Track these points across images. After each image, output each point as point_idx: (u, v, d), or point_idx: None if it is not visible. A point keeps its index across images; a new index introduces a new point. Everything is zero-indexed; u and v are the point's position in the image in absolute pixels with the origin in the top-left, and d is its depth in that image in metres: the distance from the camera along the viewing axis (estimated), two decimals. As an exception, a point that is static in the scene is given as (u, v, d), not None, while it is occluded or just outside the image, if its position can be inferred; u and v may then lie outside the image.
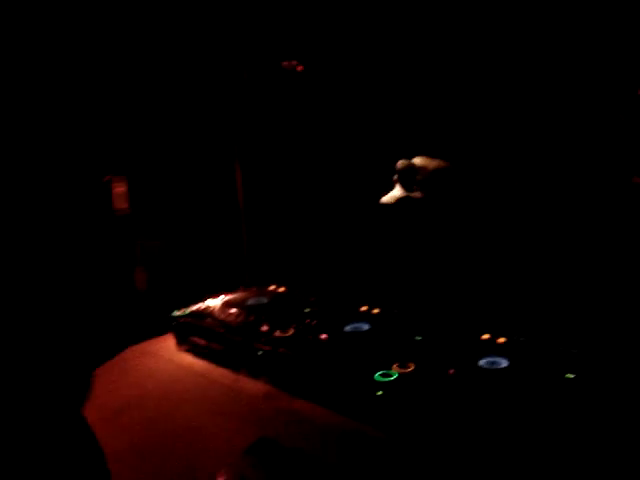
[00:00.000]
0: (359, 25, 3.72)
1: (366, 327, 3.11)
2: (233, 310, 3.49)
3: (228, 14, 3.94)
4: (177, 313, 3.58)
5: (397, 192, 3.74)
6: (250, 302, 3.60)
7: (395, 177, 3.72)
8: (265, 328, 3.20)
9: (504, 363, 2.64)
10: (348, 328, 3.11)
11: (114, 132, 3.84)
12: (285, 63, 3.87)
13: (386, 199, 3.76)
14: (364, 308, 3.35)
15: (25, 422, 1.44)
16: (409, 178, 3.67)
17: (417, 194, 3.65)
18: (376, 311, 3.31)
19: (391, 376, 2.63)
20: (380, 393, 2.55)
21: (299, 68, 3.86)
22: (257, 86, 4.11)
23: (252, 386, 3.09)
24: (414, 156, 3.79)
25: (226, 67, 4.08)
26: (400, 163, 3.70)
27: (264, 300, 3.63)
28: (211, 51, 4.01)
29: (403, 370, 2.66)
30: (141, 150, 3.97)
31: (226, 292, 3.80)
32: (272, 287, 3.85)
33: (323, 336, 3.04)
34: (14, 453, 1.40)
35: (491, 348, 2.78)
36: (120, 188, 3.87)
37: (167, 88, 3.98)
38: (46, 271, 3.37)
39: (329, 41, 3.83)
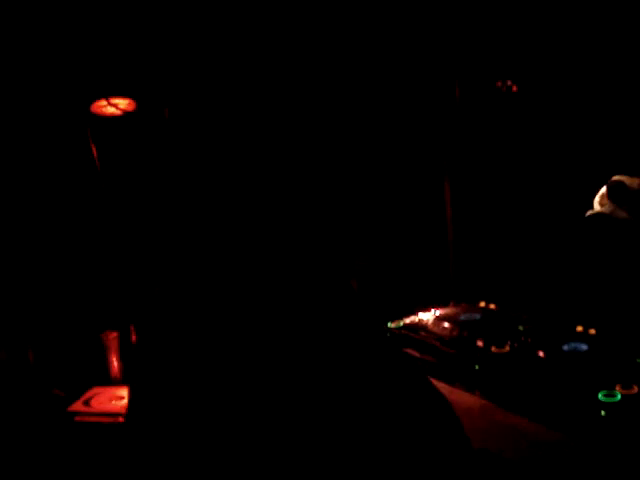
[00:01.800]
0: (575, 47, 3.73)
1: (584, 347, 3.11)
2: (446, 324, 3.59)
3: (445, 29, 4.06)
4: (391, 325, 3.72)
5: (605, 208, 3.71)
6: (463, 317, 3.68)
7: (601, 193, 3.70)
8: (480, 343, 3.27)
9: None
10: (566, 347, 3.12)
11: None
12: (499, 83, 3.94)
13: (593, 212, 3.75)
14: (580, 328, 3.34)
15: None
16: (619, 195, 3.63)
17: (624, 214, 3.60)
18: (593, 331, 3.30)
19: (615, 397, 2.63)
20: (604, 414, 2.56)
21: (514, 89, 3.91)
22: (470, 104, 4.20)
23: (467, 399, 3.17)
24: (618, 173, 3.75)
25: (439, 83, 4.21)
26: (614, 179, 3.67)
27: (477, 316, 3.69)
28: (426, 68, 4.14)
29: (627, 391, 2.65)
30: (353, 165, 4.16)
31: (437, 306, 3.91)
32: (482, 303, 3.92)
33: (541, 354, 3.08)
34: None
35: None
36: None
37: (379, 102, 4.15)
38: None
39: (545, 62, 3.86)
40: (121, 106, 3.64)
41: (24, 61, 3.58)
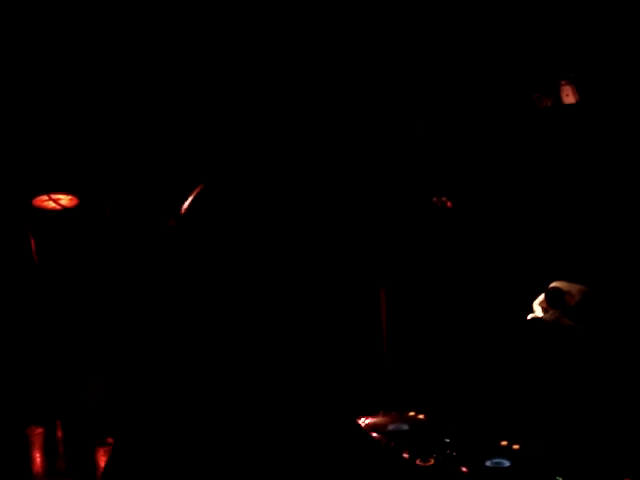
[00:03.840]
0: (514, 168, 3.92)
1: (507, 463, 3.14)
2: (374, 434, 3.60)
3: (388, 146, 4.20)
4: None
5: (544, 314, 3.82)
6: (391, 427, 3.70)
7: (539, 301, 3.81)
8: (406, 455, 3.28)
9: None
10: (489, 463, 3.15)
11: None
12: (435, 199, 4.08)
13: (533, 318, 3.85)
14: (504, 443, 3.38)
15: None
16: (557, 302, 3.74)
17: (566, 320, 3.71)
18: (516, 447, 3.34)
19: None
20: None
21: (448, 204, 4.06)
22: (407, 218, 4.33)
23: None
24: (555, 281, 3.88)
25: (377, 200, 4.34)
26: (552, 286, 3.79)
27: (404, 427, 3.71)
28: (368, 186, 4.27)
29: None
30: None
31: (367, 415, 3.91)
32: (412, 413, 3.94)
33: (464, 469, 3.10)
34: None
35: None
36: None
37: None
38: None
39: (480, 180, 4.04)
40: (62, 202, 3.66)
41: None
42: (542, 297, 3.97)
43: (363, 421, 3.79)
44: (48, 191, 3.63)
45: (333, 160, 4.09)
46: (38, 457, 3.82)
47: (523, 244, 4.11)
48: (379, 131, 4.07)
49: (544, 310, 3.93)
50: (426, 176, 4.12)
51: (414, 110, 3.99)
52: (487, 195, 4.14)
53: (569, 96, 3.43)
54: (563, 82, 3.45)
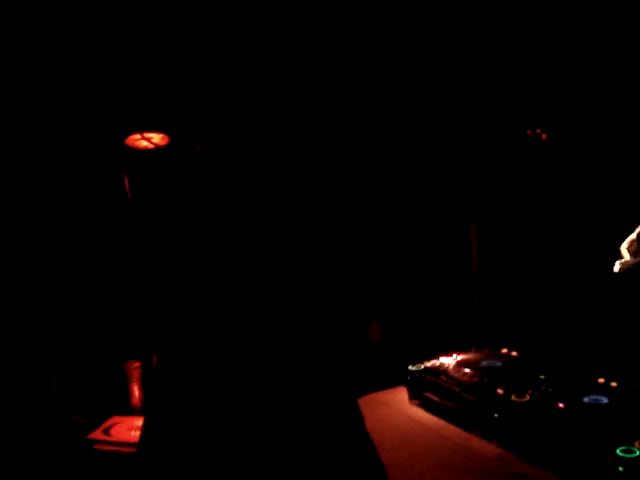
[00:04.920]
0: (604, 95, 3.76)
1: (605, 400, 3.08)
2: (467, 370, 3.58)
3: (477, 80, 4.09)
4: (412, 368, 3.72)
5: (634, 258, 3.69)
6: (484, 364, 3.67)
7: (627, 244, 3.68)
8: (500, 391, 3.26)
9: None
10: (586, 399, 3.10)
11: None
12: (530, 131, 3.96)
13: (621, 267, 3.72)
14: (601, 380, 3.32)
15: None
16: None
17: None
18: (614, 384, 3.28)
19: (634, 453, 2.60)
20: (622, 469, 2.54)
21: (544, 137, 3.93)
22: (499, 152, 4.23)
23: (485, 447, 3.16)
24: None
25: (469, 132, 4.25)
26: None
27: (498, 363, 3.68)
28: (456, 116, 4.18)
29: (646, 448, 2.63)
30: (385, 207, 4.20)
31: (459, 352, 3.90)
32: (504, 350, 3.91)
33: (560, 405, 3.06)
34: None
35: None
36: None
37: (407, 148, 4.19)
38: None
39: (572, 111, 3.89)
40: (154, 140, 3.70)
41: (65, 96, 3.66)
42: (630, 240, 3.82)
43: (455, 357, 3.79)
44: (141, 130, 3.68)
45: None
46: (136, 390, 3.95)
47: (614, 181, 3.96)
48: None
49: (634, 254, 3.80)
50: (520, 108, 4.00)
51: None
52: (581, 128, 3.99)
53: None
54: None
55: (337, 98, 3.84)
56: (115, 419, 3.77)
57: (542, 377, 3.41)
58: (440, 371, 3.63)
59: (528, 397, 3.16)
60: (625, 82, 3.76)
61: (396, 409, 3.65)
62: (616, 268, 3.63)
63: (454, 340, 4.09)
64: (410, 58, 3.88)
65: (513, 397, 3.17)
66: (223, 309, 1.67)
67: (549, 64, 3.88)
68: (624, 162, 3.79)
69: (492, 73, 4.02)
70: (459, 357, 3.82)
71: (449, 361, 3.76)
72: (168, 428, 1.60)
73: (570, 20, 3.66)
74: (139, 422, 3.60)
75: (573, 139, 3.93)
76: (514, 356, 3.82)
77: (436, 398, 3.51)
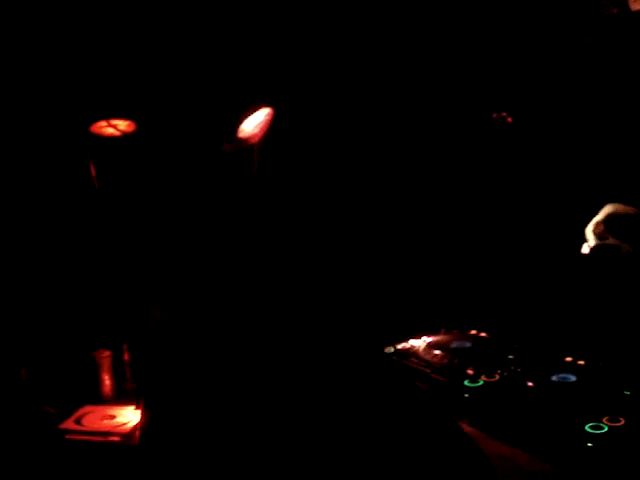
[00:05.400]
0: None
1: (573, 378, 3.14)
2: (437, 352, 3.62)
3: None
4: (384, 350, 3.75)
5: (602, 241, 3.74)
6: (454, 345, 3.71)
7: (596, 223, 3.73)
8: (470, 372, 3.30)
9: None
10: (555, 378, 3.15)
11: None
12: (495, 115, 3.99)
13: (588, 249, 3.77)
14: (569, 359, 3.38)
15: None
16: (618, 226, 3.66)
17: (626, 246, 3.64)
18: (581, 362, 3.33)
19: (602, 429, 2.66)
20: (590, 445, 2.59)
21: (509, 120, 3.97)
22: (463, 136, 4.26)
23: (456, 427, 3.20)
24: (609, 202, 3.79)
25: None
26: (610, 210, 3.70)
27: (467, 344, 3.72)
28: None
29: (614, 424, 2.69)
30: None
31: (428, 334, 3.93)
32: (473, 331, 3.95)
33: (530, 384, 3.11)
34: None
35: None
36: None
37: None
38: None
39: (536, 94, 3.93)
40: (121, 127, 3.68)
41: (26, 80, 3.62)
42: (596, 221, 3.86)
43: (425, 339, 3.82)
44: (107, 117, 3.65)
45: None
46: (107, 379, 3.93)
47: (580, 163, 4.02)
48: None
49: (599, 236, 3.84)
50: (484, 91, 4.04)
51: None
52: (546, 111, 4.04)
53: (637, 2, 3.30)
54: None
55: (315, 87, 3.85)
56: (86, 409, 3.75)
57: (511, 357, 3.45)
58: (410, 353, 3.66)
59: (498, 377, 3.20)
60: (586, 65, 3.81)
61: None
62: (584, 250, 3.68)
63: (424, 322, 4.12)
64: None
65: (483, 377, 3.21)
66: (219, 299, 1.66)
67: (511, 48, 3.92)
68: (589, 144, 3.85)
69: (454, 57, 4.06)
70: (429, 339, 3.85)
71: (419, 343, 3.79)
72: (171, 422, 1.59)
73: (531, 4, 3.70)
74: (110, 411, 3.59)
75: (538, 122, 3.98)
76: (483, 337, 3.86)
77: (407, 380, 3.55)
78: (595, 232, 3.77)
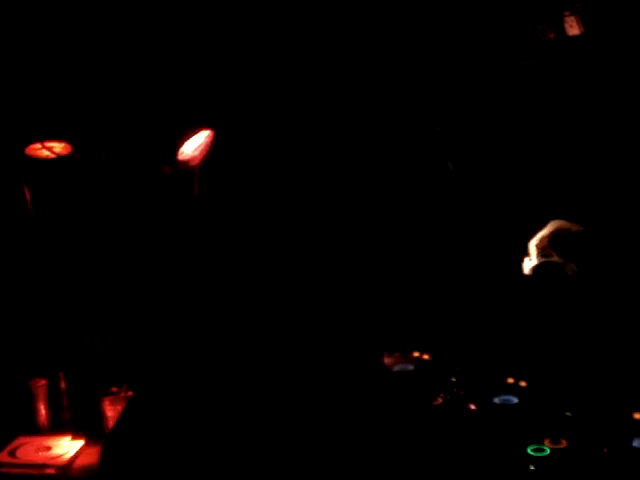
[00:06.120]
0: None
1: (515, 400, 3.15)
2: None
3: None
4: (326, 375, 3.71)
5: (546, 259, 3.75)
6: (396, 368, 3.70)
7: (539, 240, 3.74)
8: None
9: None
10: (497, 400, 3.16)
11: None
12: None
13: (529, 270, 3.79)
14: (511, 380, 3.39)
15: None
16: (562, 244, 3.68)
17: (557, 259, 3.65)
18: (523, 384, 3.35)
19: (544, 451, 2.66)
20: (533, 468, 2.60)
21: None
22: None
23: (400, 451, 3.18)
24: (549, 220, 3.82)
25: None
26: (556, 227, 3.70)
27: (410, 367, 3.72)
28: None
29: (556, 446, 2.70)
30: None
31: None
32: (416, 354, 3.94)
33: (472, 407, 3.11)
34: None
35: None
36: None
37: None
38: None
39: (476, 113, 3.98)
40: (56, 150, 3.59)
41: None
42: (541, 236, 3.85)
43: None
44: (41, 139, 3.57)
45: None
46: (42, 409, 3.82)
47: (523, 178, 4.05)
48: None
49: (542, 250, 3.84)
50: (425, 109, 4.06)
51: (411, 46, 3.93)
52: (487, 127, 4.08)
53: (573, 27, 3.36)
54: (567, 13, 3.39)
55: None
56: (21, 440, 3.63)
57: (453, 379, 3.45)
58: (354, 377, 3.64)
59: (440, 400, 3.20)
60: (527, 89, 3.87)
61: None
62: (526, 269, 3.70)
63: (367, 344, 4.10)
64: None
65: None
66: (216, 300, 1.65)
67: (452, 68, 3.96)
68: (533, 159, 3.89)
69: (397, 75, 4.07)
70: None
71: (362, 366, 3.77)
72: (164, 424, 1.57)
73: (473, 25, 3.74)
74: (46, 442, 3.48)
75: (479, 136, 4.02)
76: (426, 359, 3.86)
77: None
78: (539, 247, 3.76)
